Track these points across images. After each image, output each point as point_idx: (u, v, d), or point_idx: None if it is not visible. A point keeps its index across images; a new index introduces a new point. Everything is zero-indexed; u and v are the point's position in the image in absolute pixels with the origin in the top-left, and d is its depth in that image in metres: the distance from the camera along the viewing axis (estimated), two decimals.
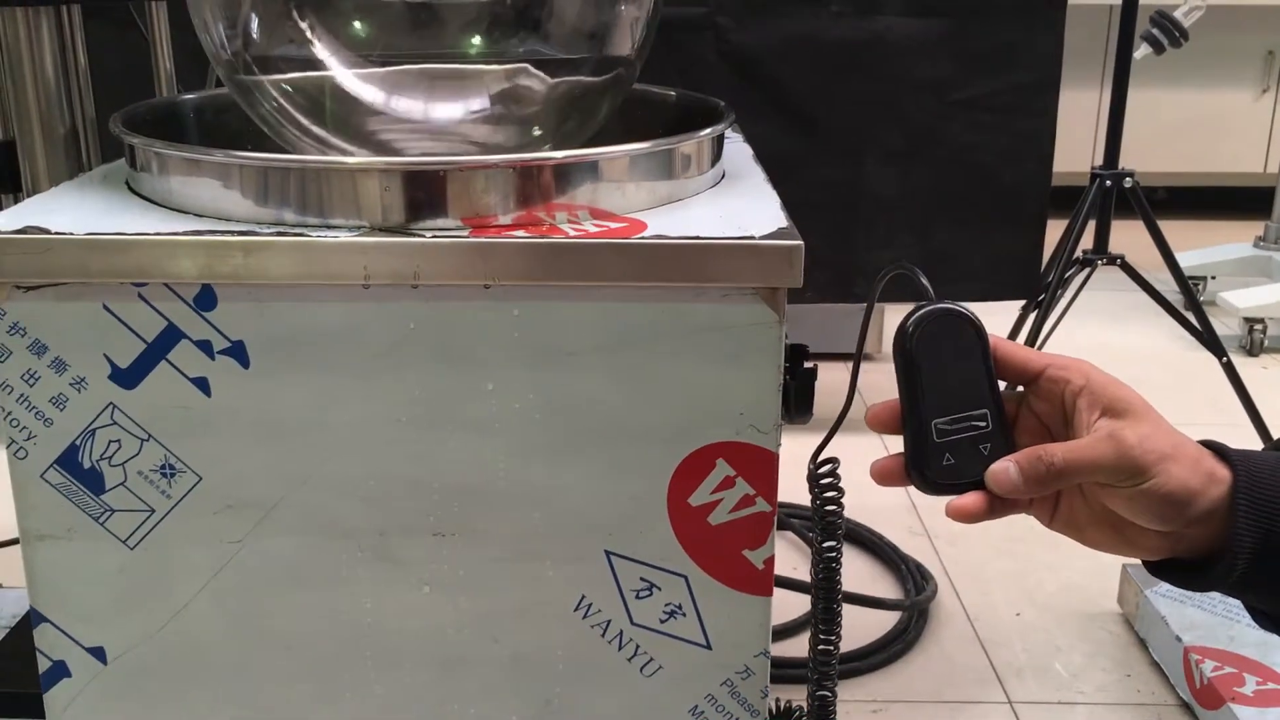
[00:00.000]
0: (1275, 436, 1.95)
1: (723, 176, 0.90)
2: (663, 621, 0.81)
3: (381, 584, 0.80)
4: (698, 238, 0.73)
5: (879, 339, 2.27)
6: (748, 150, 0.99)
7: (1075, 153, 2.65)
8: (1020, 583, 1.60)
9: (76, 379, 0.75)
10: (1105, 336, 2.47)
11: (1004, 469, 0.70)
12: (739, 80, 1.91)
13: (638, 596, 0.80)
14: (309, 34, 0.87)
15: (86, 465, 0.77)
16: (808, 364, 0.78)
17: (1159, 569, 0.74)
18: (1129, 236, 2.13)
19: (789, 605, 1.46)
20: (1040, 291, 2.06)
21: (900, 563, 1.62)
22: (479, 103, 0.91)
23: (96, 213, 0.78)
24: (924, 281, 0.73)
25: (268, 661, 0.81)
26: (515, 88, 0.90)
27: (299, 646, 0.81)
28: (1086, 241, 2.11)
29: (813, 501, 0.82)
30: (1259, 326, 2.62)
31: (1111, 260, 2.09)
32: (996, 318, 1.87)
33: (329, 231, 0.74)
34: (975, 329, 0.73)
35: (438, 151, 0.91)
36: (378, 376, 0.75)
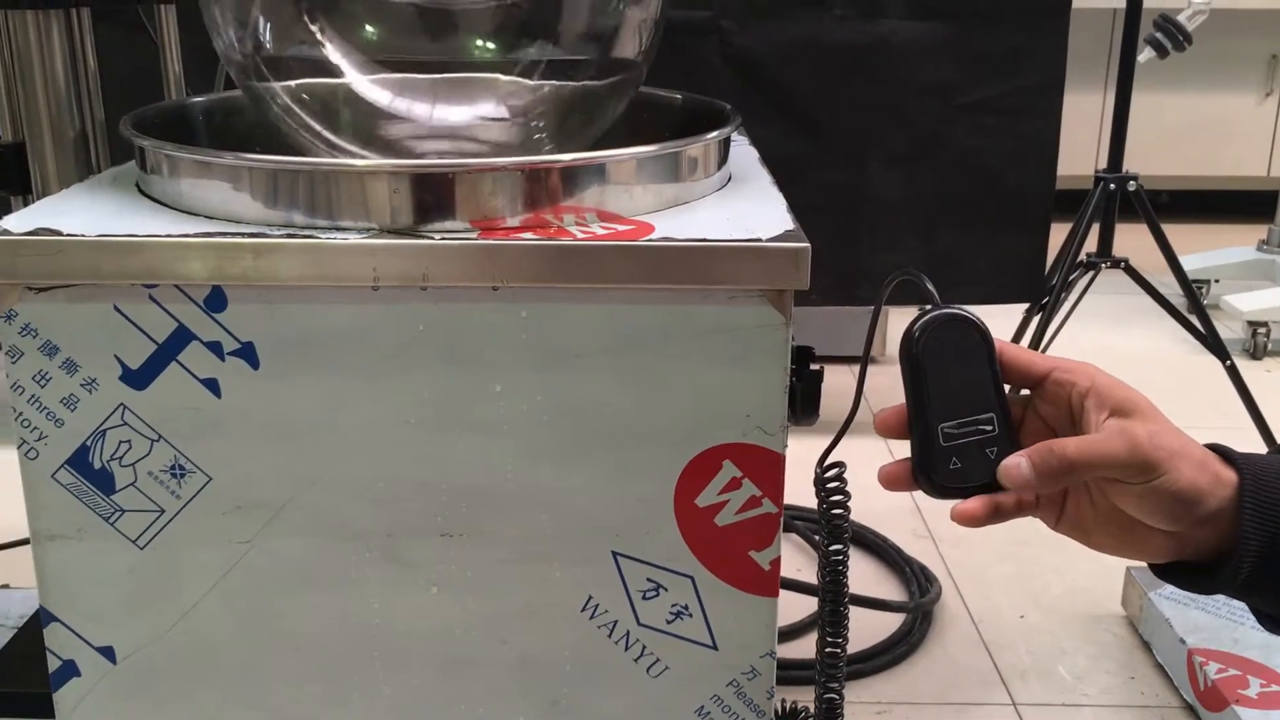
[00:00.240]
0: (1279, 440, 1.95)
1: (729, 179, 0.90)
2: (669, 622, 0.81)
3: (390, 585, 0.80)
4: (705, 240, 0.74)
5: (883, 342, 2.27)
6: (754, 153, 1.00)
7: (1079, 156, 2.66)
8: (1024, 585, 1.60)
9: (87, 380, 0.76)
10: (1109, 340, 2.47)
11: (1015, 464, 0.70)
12: (742, 83, 1.92)
13: (644, 597, 0.81)
14: (319, 37, 0.88)
15: (97, 466, 0.77)
16: (814, 366, 0.78)
17: (1165, 572, 0.74)
18: (1133, 240, 2.13)
19: (793, 607, 1.46)
20: (1044, 295, 2.07)
21: (904, 565, 1.62)
22: (487, 106, 0.91)
23: (107, 214, 0.79)
24: (930, 287, 0.73)
25: (276, 662, 0.82)
26: (523, 91, 0.90)
27: (307, 647, 0.82)
28: (1090, 245, 2.11)
29: (820, 505, 0.83)
30: (1262, 330, 2.62)
31: (1115, 264, 2.09)
32: (1000, 321, 1.87)
33: (338, 233, 0.75)
34: (981, 333, 0.73)
35: (446, 154, 0.92)
36: (387, 378, 0.76)
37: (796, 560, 1.67)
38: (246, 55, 0.89)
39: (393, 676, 0.82)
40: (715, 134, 0.86)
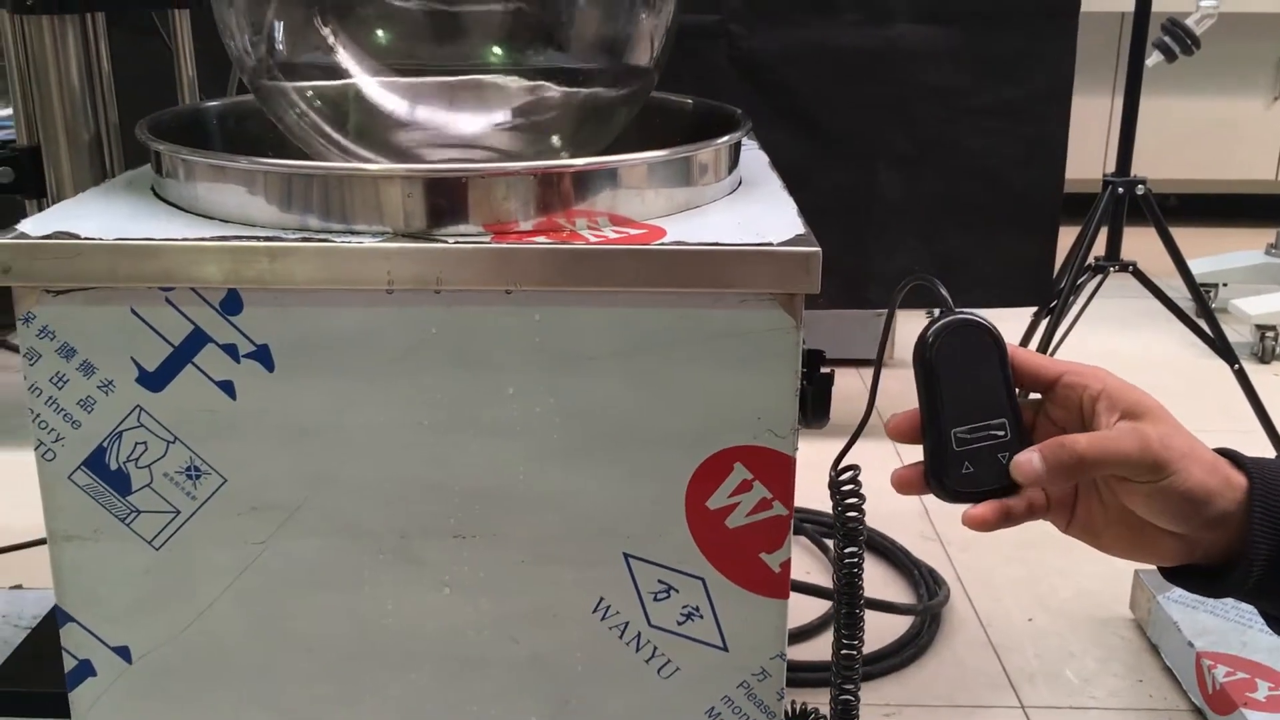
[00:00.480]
0: None
1: (739, 183, 0.91)
2: (680, 623, 0.81)
3: (402, 585, 0.81)
4: (716, 244, 0.74)
5: (891, 346, 2.28)
6: (764, 158, 1.00)
7: (1087, 159, 2.66)
8: (1032, 588, 1.61)
9: (104, 382, 0.76)
10: (1117, 343, 2.47)
11: (1027, 459, 0.71)
12: (751, 87, 1.92)
13: (655, 598, 0.81)
14: (332, 42, 0.88)
15: (113, 467, 0.78)
16: (824, 369, 0.79)
17: (1175, 575, 0.75)
18: (1141, 243, 2.14)
19: (803, 610, 1.47)
20: (1052, 298, 2.07)
21: (913, 568, 1.63)
22: (499, 111, 0.92)
23: (124, 218, 0.79)
24: (943, 292, 0.74)
25: (290, 661, 0.82)
26: (535, 96, 0.91)
27: (321, 647, 0.82)
28: (1099, 248, 2.11)
29: (834, 508, 0.83)
30: (1270, 334, 2.62)
31: (1124, 267, 2.10)
32: (1008, 324, 1.87)
33: (352, 237, 0.75)
34: (993, 338, 0.74)
35: (458, 158, 0.92)
36: (400, 380, 0.77)
37: (805, 563, 1.67)
38: (259, 60, 0.90)
39: (405, 676, 0.83)
40: (726, 138, 0.86)
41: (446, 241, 0.75)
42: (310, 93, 0.91)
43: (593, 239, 0.76)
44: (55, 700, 1.10)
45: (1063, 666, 1.43)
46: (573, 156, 0.90)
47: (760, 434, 0.77)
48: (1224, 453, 0.72)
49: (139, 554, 0.79)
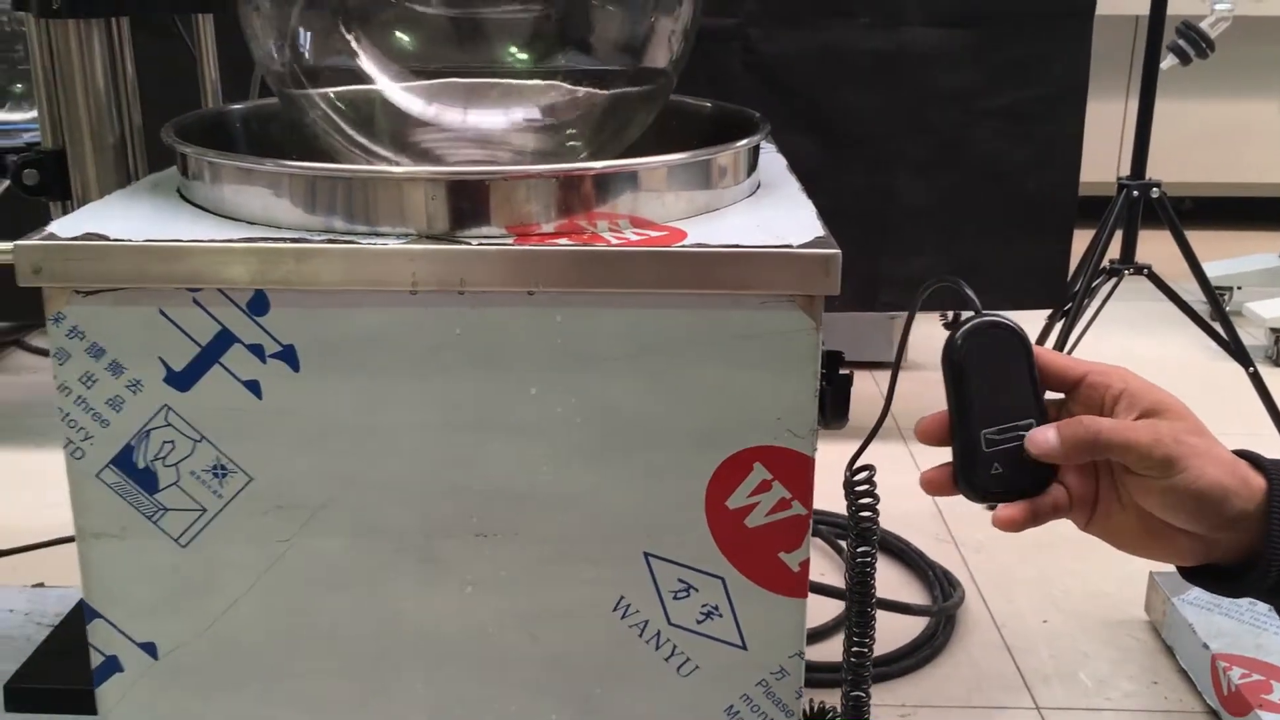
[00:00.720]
0: None
1: (758, 186, 0.91)
2: (699, 622, 0.82)
3: (424, 584, 0.82)
4: (737, 246, 0.75)
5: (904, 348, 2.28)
6: (781, 160, 1.01)
7: (1102, 162, 2.66)
8: (1047, 590, 1.61)
9: (132, 381, 0.77)
10: (1132, 346, 2.47)
11: (1043, 434, 0.72)
12: (766, 90, 1.93)
13: (675, 597, 0.82)
14: (355, 46, 0.89)
15: (141, 465, 0.79)
16: (843, 370, 0.80)
17: (1193, 575, 0.76)
18: (1155, 246, 2.14)
19: (818, 610, 1.47)
20: (1067, 301, 2.07)
21: (927, 569, 1.63)
22: (520, 113, 0.93)
23: (151, 220, 0.80)
24: (969, 293, 0.75)
25: (313, 659, 0.83)
26: (555, 99, 0.92)
27: (344, 644, 0.83)
28: (1113, 251, 2.12)
29: (849, 508, 0.84)
30: None
31: (1138, 270, 2.10)
32: (1024, 327, 1.88)
33: (377, 239, 0.76)
34: (1020, 339, 0.75)
35: (479, 160, 0.93)
36: (424, 380, 0.77)
37: (820, 564, 1.68)
38: (284, 64, 0.91)
39: (427, 674, 0.84)
40: (745, 142, 0.87)
41: (470, 243, 0.76)
42: (334, 96, 0.92)
43: (614, 241, 0.77)
44: (79, 696, 1.12)
45: (1077, 668, 1.44)
46: (592, 158, 0.91)
47: (780, 434, 0.78)
48: (1244, 454, 0.72)
49: (166, 551, 0.80)
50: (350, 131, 0.93)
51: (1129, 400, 0.72)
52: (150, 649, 0.83)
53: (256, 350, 0.77)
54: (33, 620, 1.30)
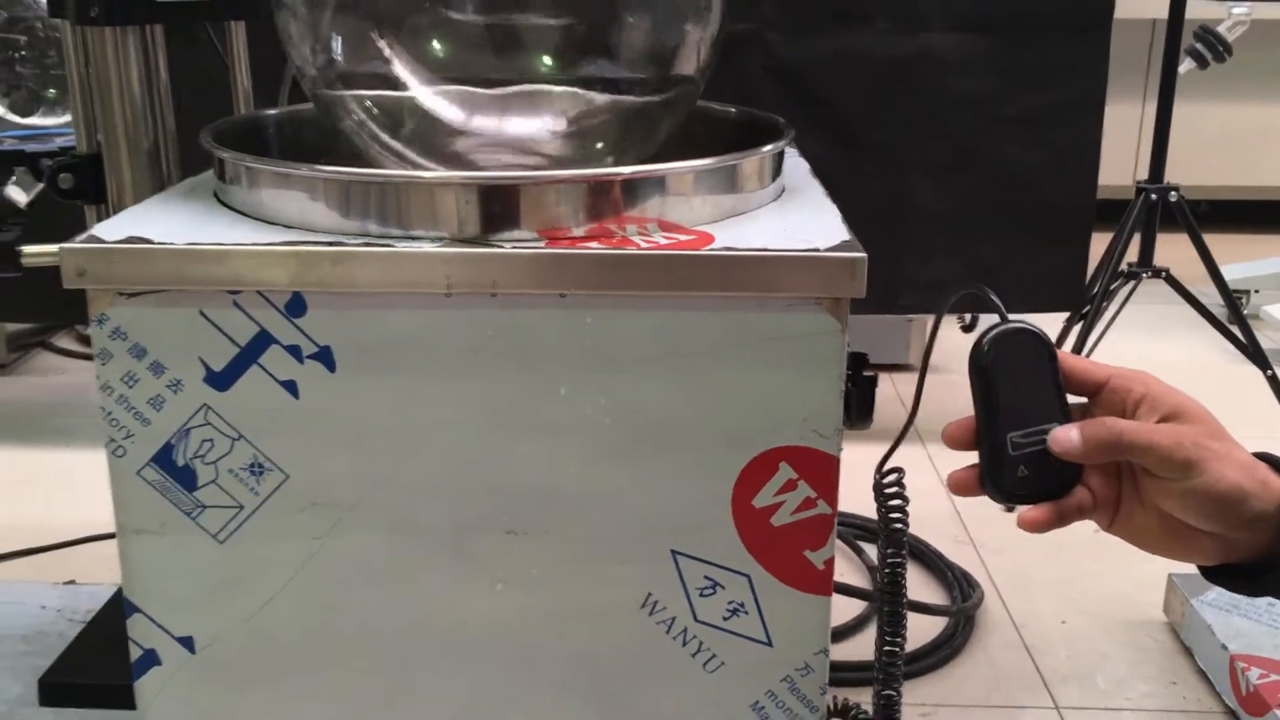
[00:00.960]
0: None
1: (783, 191, 0.93)
2: (725, 619, 0.84)
3: (456, 580, 0.83)
4: (764, 250, 0.77)
5: (920, 349, 2.29)
6: (805, 165, 1.02)
7: (1120, 166, 2.67)
8: (1066, 591, 1.62)
9: (173, 381, 0.79)
10: (1149, 349, 2.48)
11: (1065, 433, 0.74)
12: (785, 94, 1.94)
13: (702, 595, 0.83)
14: (389, 53, 0.91)
15: (180, 463, 0.81)
16: (868, 372, 0.81)
17: (1213, 574, 0.77)
18: (1173, 250, 2.15)
19: (838, 611, 1.48)
20: (1085, 304, 2.08)
21: (947, 570, 1.64)
22: (550, 119, 0.94)
23: (191, 223, 0.82)
24: (996, 300, 0.76)
25: (347, 653, 0.85)
26: (584, 106, 0.93)
27: (376, 639, 0.85)
28: (1131, 254, 2.12)
29: (879, 510, 0.86)
30: None
31: (1156, 273, 2.11)
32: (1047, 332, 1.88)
33: (412, 242, 0.78)
34: (1045, 345, 0.76)
35: (509, 165, 0.95)
36: (457, 381, 0.79)
37: (839, 565, 1.69)
38: (319, 69, 0.92)
39: (458, 669, 0.85)
40: (770, 147, 0.89)
41: (503, 247, 0.77)
42: (368, 101, 0.93)
43: (643, 245, 0.78)
44: (112, 691, 1.14)
45: (1096, 668, 1.45)
46: (619, 163, 0.93)
47: (806, 434, 0.79)
48: (1265, 457, 0.74)
49: (204, 548, 0.82)
50: (383, 136, 0.94)
51: (1150, 404, 0.74)
52: (188, 643, 0.85)
53: (294, 351, 0.79)
54: (64, 616, 1.32)
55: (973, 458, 0.78)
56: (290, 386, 0.79)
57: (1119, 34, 2.00)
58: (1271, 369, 2.04)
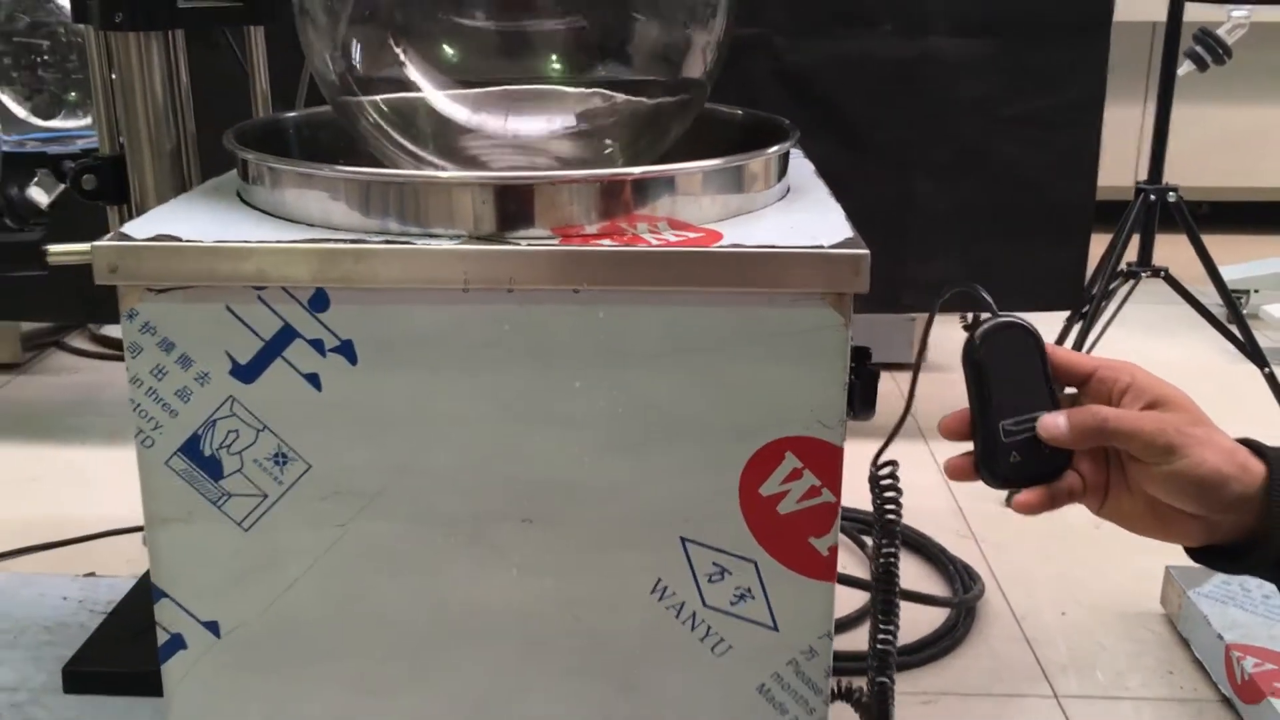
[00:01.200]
0: None
1: (788, 190, 0.96)
2: (733, 604, 0.86)
3: (474, 567, 0.86)
4: (771, 247, 0.79)
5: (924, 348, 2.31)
6: (810, 166, 1.05)
7: (1120, 167, 2.69)
8: (1065, 584, 1.64)
9: (200, 374, 0.82)
10: (1149, 348, 2.50)
11: (1054, 420, 0.77)
12: (791, 97, 1.97)
13: (710, 580, 0.86)
14: (404, 59, 0.94)
15: (207, 453, 0.83)
16: (870, 364, 0.84)
17: (1199, 555, 0.80)
18: (1173, 250, 2.17)
19: (840, 603, 1.51)
20: (1085, 303, 2.10)
21: (949, 564, 1.67)
22: (561, 121, 0.97)
23: (217, 222, 0.85)
24: (986, 297, 0.80)
25: (367, 637, 0.88)
26: (594, 107, 0.96)
27: (396, 624, 0.87)
28: (1131, 254, 2.15)
29: (874, 501, 0.88)
30: None
31: (1155, 273, 2.13)
32: (1042, 329, 1.91)
33: (431, 239, 0.81)
34: (1034, 338, 0.80)
35: (521, 165, 0.98)
36: (474, 374, 0.82)
37: (843, 558, 1.71)
38: (339, 74, 0.95)
39: (476, 652, 0.88)
40: (777, 148, 0.92)
41: (518, 244, 0.80)
42: (384, 104, 0.96)
43: (654, 242, 0.81)
44: (132, 678, 1.17)
45: (1095, 658, 1.47)
46: (629, 164, 0.96)
47: (810, 425, 0.82)
48: (1246, 442, 0.77)
49: (229, 535, 0.85)
50: (399, 138, 0.97)
51: (1135, 392, 0.77)
52: (213, 627, 0.87)
53: (317, 345, 0.81)
54: (86, 608, 1.35)
55: (969, 447, 0.81)
56: (313, 379, 0.82)
57: (1120, 36, 2.02)
58: (1269, 367, 2.06)
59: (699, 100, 0.98)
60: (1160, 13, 2.13)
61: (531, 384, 0.82)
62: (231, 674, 0.88)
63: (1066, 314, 2.13)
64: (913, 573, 1.67)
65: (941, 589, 1.63)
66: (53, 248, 1.02)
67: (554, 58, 0.96)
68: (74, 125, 1.32)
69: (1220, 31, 2.26)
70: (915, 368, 0.85)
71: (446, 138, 0.97)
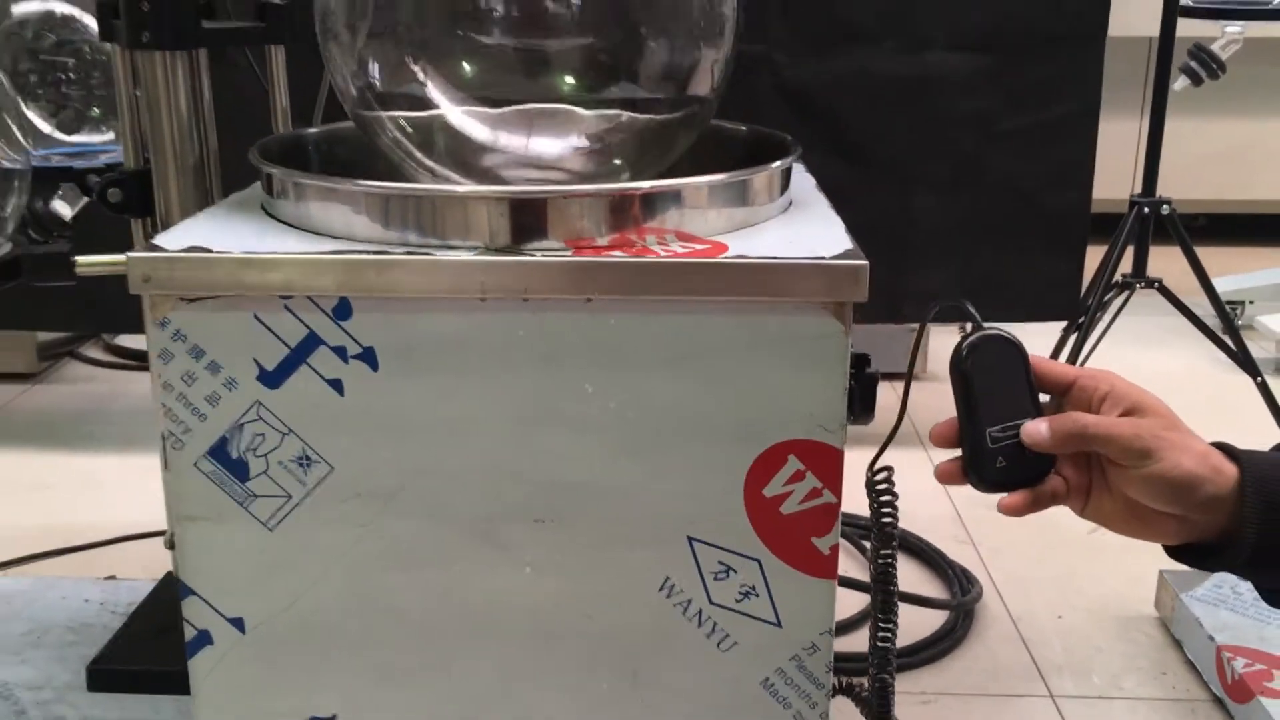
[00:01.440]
0: None
1: (790, 204, 0.99)
2: (738, 601, 0.89)
3: (488, 565, 0.89)
4: (774, 258, 0.83)
5: (925, 359, 2.34)
6: (811, 180, 1.09)
7: (1116, 180, 2.72)
8: (1061, 589, 1.68)
9: (228, 380, 0.86)
10: (1143, 357, 2.52)
11: (1036, 427, 0.81)
12: (793, 112, 2.00)
13: (716, 578, 0.89)
14: (423, 77, 0.98)
15: (234, 456, 0.87)
16: (869, 370, 0.87)
17: (1177, 553, 0.84)
18: (1168, 261, 2.21)
19: (840, 605, 1.54)
20: (1081, 314, 2.14)
21: (948, 568, 1.71)
22: (573, 137, 1.00)
23: (244, 234, 0.89)
24: (972, 310, 0.84)
25: (386, 633, 0.91)
26: (605, 124, 1.00)
27: (413, 619, 0.91)
28: (1126, 266, 2.18)
29: (870, 504, 0.92)
30: None
31: (1149, 284, 2.17)
32: (1039, 339, 1.95)
33: (449, 251, 0.84)
34: (1018, 349, 0.84)
35: (534, 180, 1.01)
36: (490, 379, 0.85)
37: (844, 562, 1.75)
38: (359, 92, 0.99)
39: (490, 648, 0.91)
40: (779, 163, 0.95)
41: (533, 256, 0.84)
42: (402, 120, 1.00)
43: (662, 253, 0.84)
44: (154, 676, 1.21)
45: (1090, 660, 1.51)
46: (637, 178, 0.99)
47: (812, 429, 0.85)
48: (1221, 446, 0.81)
49: (255, 534, 0.88)
50: (416, 153, 1.01)
51: (1114, 399, 0.82)
52: (239, 624, 0.91)
53: (340, 352, 0.85)
54: (107, 610, 1.39)
55: (959, 453, 0.85)
56: (336, 385, 0.86)
57: (1117, 51, 2.06)
58: (1261, 376, 2.10)
59: (705, 117, 1.02)
60: (1156, 28, 2.17)
61: (545, 389, 0.85)
62: (255, 667, 0.92)
63: (1063, 324, 2.16)
64: (913, 576, 1.71)
65: (941, 592, 1.67)
66: (81, 259, 1.06)
67: (567, 77, 0.99)
68: (97, 140, 1.35)
69: (1215, 47, 2.30)
70: (908, 376, 0.88)
71: (462, 153, 1.01)
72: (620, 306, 0.84)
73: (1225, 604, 1.48)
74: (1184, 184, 2.47)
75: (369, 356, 0.85)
